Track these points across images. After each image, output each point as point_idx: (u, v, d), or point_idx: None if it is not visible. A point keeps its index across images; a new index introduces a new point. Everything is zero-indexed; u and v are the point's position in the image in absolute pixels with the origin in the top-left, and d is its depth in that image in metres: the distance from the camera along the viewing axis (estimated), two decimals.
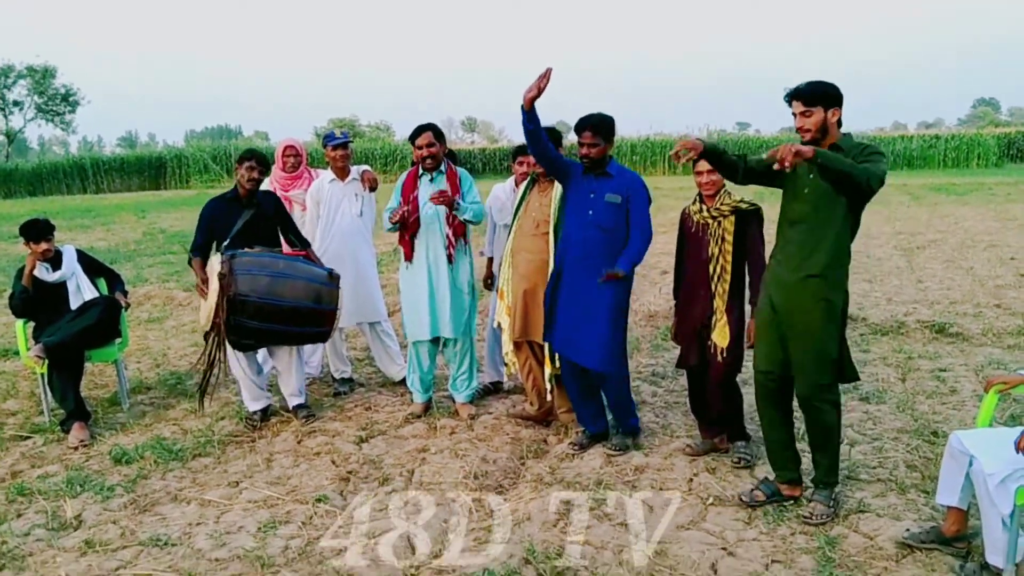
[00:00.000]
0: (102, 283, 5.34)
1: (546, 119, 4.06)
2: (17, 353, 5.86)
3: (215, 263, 4.45)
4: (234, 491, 3.97)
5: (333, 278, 4.67)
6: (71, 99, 52.97)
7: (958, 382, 5.28)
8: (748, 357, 3.95)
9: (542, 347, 4.49)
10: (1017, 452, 2.75)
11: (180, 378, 5.97)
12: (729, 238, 3.93)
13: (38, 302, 4.98)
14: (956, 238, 12.04)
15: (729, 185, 3.91)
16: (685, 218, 4.17)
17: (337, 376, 5.61)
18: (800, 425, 3.76)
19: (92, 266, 5.30)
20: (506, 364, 4.90)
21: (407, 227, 4.81)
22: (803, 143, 3.33)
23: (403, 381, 5.38)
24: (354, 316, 5.40)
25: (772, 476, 3.71)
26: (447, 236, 4.79)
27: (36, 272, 4.93)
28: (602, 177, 4.12)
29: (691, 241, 4.12)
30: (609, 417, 4.47)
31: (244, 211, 4.76)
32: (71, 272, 5.09)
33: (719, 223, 3.95)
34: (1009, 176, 27.68)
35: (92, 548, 3.39)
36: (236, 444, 4.61)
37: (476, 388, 5.16)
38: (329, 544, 3.39)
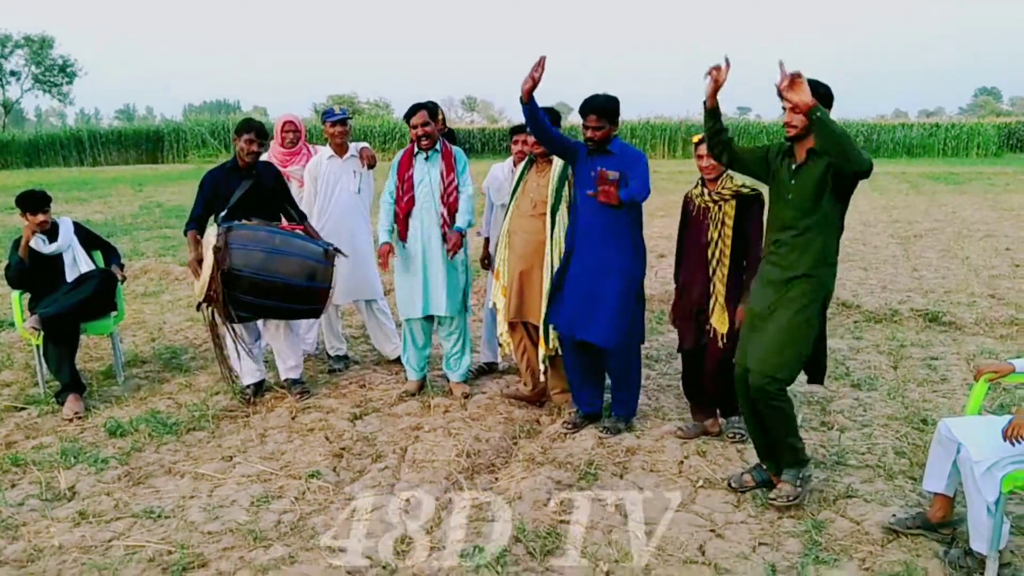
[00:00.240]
0: (98, 256, 5.33)
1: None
2: (13, 324, 5.87)
3: (211, 235, 4.45)
4: (228, 465, 3.99)
5: (329, 256, 4.66)
6: (69, 70, 52.65)
7: (949, 371, 5.32)
8: None
9: (537, 328, 4.51)
10: (1004, 440, 2.78)
11: (175, 352, 5.98)
12: (729, 222, 3.93)
13: (34, 274, 4.98)
14: (953, 227, 12.06)
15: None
16: (687, 201, 4.17)
17: (332, 353, 5.63)
18: None
19: (89, 239, 5.30)
20: (501, 345, 4.92)
21: (402, 207, 4.81)
22: (788, 138, 3.34)
23: (398, 359, 5.40)
24: (350, 294, 5.41)
25: (764, 465, 3.73)
26: (442, 215, 4.79)
27: (32, 244, 4.92)
28: (604, 156, 4.11)
29: (692, 224, 4.12)
30: (605, 398, 4.50)
31: (243, 181, 4.73)
32: (67, 244, 5.09)
33: (720, 207, 3.95)
34: (1008, 166, 27.66)
35: (85, 519, 3.42)
36: (230, 419, 4.63)
37: (470, 367, 5.19)
38: (321, 520, 3.42)
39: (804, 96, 3.02)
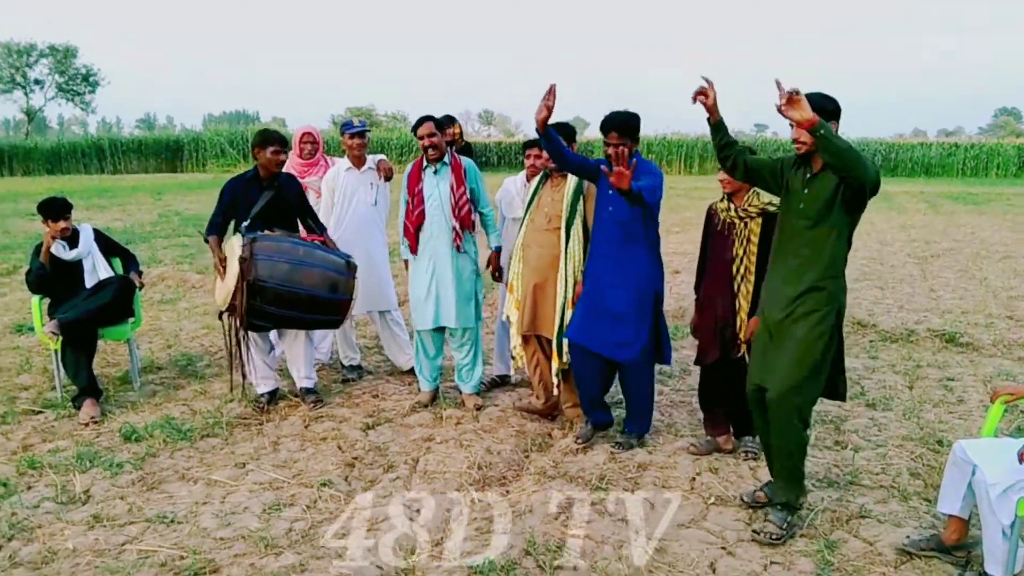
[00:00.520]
0: (117, 263, 5.40)
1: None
2: (32, 329, 5.94)
3: (235, 245, 4.49)
4: (240, 472, 4.02)
5: (350, 267, 4.71)
6: (91, 79, 53.39)
7: (966, 392, 5.27)
8: None
9: (550, 342, 4.52)
10: (1020, 463, 2.75)
11: (191, 359, 6.03)
12: (755, 239, 3.91)
13: (54, 279, 5.04)
14: (971, 248, 11.97)
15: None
16: (712, 214, 4.16)
17: (346, 363, 5.66)
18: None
19: (108, 246, 5.36)
20: (514, 358, 4.92)
21: (412, 220, 4.85)
22: (799, 155, 3.33)
23: (411, 370, 5.42)
24: (365, 304, 5.44)
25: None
26: (454, 228, 4.82)
27: (53, 250, 4.99)
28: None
29: (716, 238, 4.11)
30: (617, 413, 4.50)
31: (265, 192, 4.77)
32: (87, 251, 5.15)
33: (745, 224, 3.93)
34: None
35: (100, 522, 3.45)
36: (244, 426, 4.66)
37: (482, 379, 5.19)
38: (331, 529, 3.43)
39: (804, 113, 2.98)
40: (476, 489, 3.83)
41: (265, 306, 4.47)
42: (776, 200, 3.83)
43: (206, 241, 4.81)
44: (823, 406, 4.86)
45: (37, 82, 52.33)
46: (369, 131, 5.60)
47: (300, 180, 5.39)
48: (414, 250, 4.92)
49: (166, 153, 39.15)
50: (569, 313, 4.35)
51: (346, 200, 5.40)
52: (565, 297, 4.37)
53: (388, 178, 5.54)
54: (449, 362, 5.39)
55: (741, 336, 3.98)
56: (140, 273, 5.38)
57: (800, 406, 3.31)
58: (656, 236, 4.24)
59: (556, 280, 4.42)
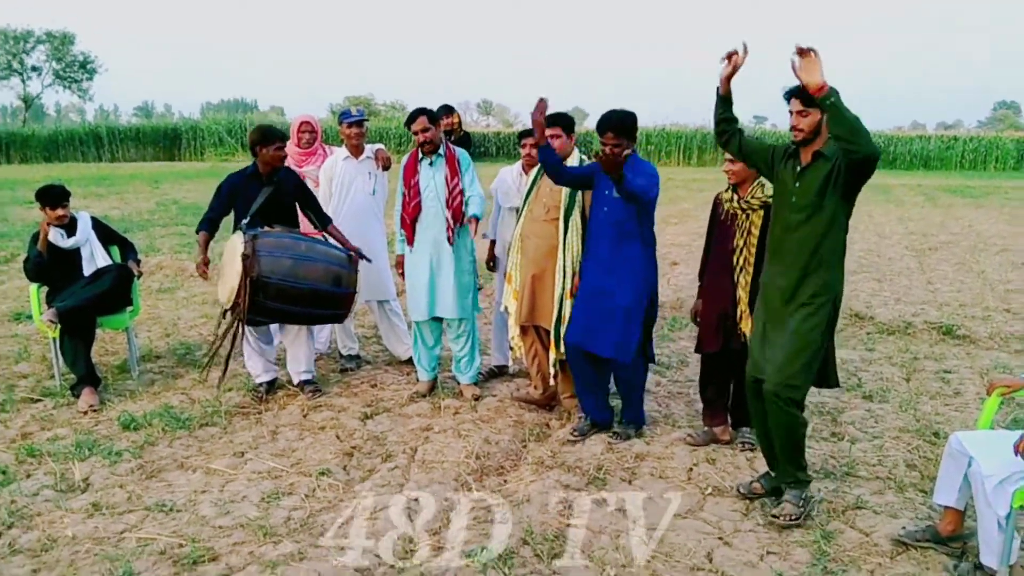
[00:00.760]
0: (115, 251, 5.39)
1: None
2: (31, 317, 5.93)
3: (237, 243, 4.48)
4: (239, 461, 4.03)
5: (352, 261, 4.72)
6: (89, 67, 53.12)
7: (962, 384, 5.29)
8: None
9: (548, 332, 4.52)
10: (1016, 455, 2.76)
11: (189, 348, 6.03)
12: (756, 231, 3.91)
13: (52, 267, 5.04)
14: (969, 241, 11.99)
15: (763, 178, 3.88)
16: (717, 204, 4.17)
17: (344, 353, 5.66)
18: None
19: (106, 234, 5.35)
20: (512, 348, 4.93)
21: (409, 212, 4.85)
22: (795, 142, 3.33)
23: (409, 360, 5.42)
24: (363, 294, 5.43)
25: (773, 473, 3.72)
26: (447, 219, 4.82)
27: (51, 238, 4.98)
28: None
29: (720, 228, 4.13)
30: (618, 403, 4.51)
31: (264, 188, 4.76)
32: (85, 239, 5.14)
33: (747, 216, 3.94)
34: None
35: (99, 510, 3.46)
36: (243, 415, 4.67)
37: (480, 370, 5.20)
38: (330, 518, 3.45)
39: (815, 76, 2.96)
40: (474, 479, 3.84)
41: (268, 302, 4.47)
42: None
43: (197, 234, 4.80)
44: (820, 397, 4.88)
45: (34, 69, 52.08)
46: (367, 120, 5.59)
47: (298, 169, 5.39)
48: (411, 241, 4.92)
49: (164, 141, 39.00)
50: (568, 304, 4.36)
51: (344, 189, 5.39)
52: (563, 288, 4.37)
53: (386, 168, 5.53)
54: (447, 352, 5.39)
55: (741, 327, 3.99)
56: (138, 262, 5.38)
57: (795, 395, 3.35)
58: (651, 235, 4.24)
59: (554, 271, 4.43)
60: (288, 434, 4.39)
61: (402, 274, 5.02)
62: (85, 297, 4.88)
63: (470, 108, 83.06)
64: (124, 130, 39.15)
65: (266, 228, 4.63)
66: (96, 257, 5.18)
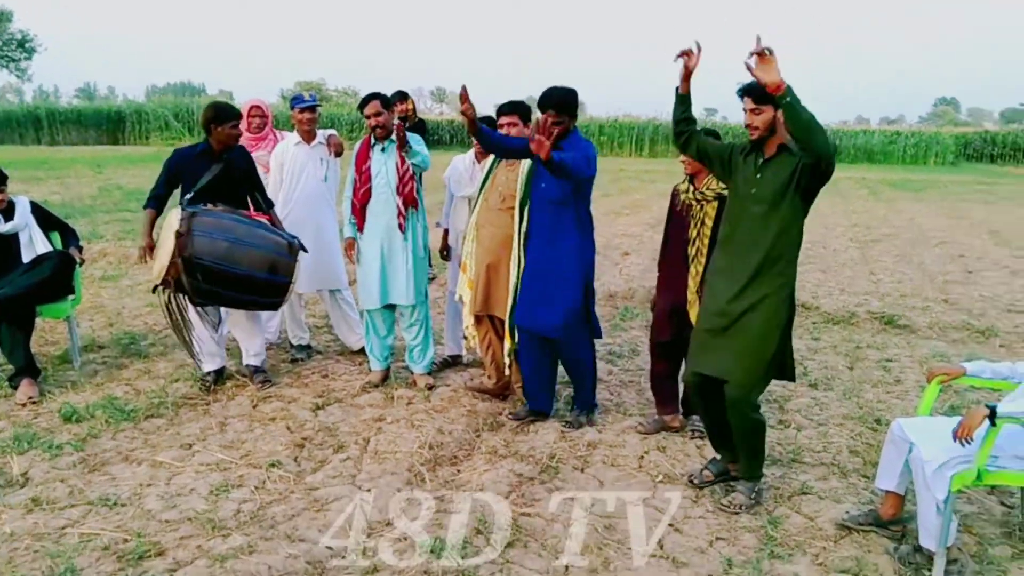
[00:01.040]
0: (56, 237, 5.21)
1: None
2: None
3: (173, 219, 4.37)
4: (187, 453, 3.94)
5: (292, 249, 4.61)
6: (27, 45, 51.05)
7: (903, 372, 5.45)
8: None
9: (502, 322, 4.52)
10: (954, 441, 2.86)
11: (134, 338, 5.88)
12: (709, 223, 3.93)
13: None
14: (910, 234, 12.34)
15: None
16: (674, 195, 4.20)
17: (295, 343, 5.58)
18: None
19: (46, 219, 5.17)
20: (466, 337, 4.92)
21: (359, 198, 4.80)
22: (751, 140, 3.35)
23: (362, 350, 5.37)
24: (314, 283, 5.37)
25: (718, 456, 3.79)
26: (398, 206, 4.78)
27: None
28: (554, 151, 4.09)
29: (675, 219, 4.17)
30: (568, 392, 4.53)
31: (213, 165, 4.64)
32: (24, 224, 4.96)
33: (702, 207, 3.97)
34: (964, 175, 28.38)
35: (39, 506, 3.36)
36: (190, 406, 4.57)
37: (434, 359, 5.18)
38: (280, 510, 3.40)
39: (771, 75, 2.98)
40: (427, 469, 3.83)
41: (200, 284, 4.35)
42: None
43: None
44: (768, 386, 4.97)
45: None
46: (320, 106, 5.50)
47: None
48: (361, 228, 4.87)
49: (107, 124, 37.78)
50: None
51: (295, 176, 5.30)
52: (518, 277, 4.37)
53: (338, 154, 5.46)
54: (400, 342, 5.36)
55: (691, 316, 4.04)
56: (80, 248, 5.21)
57: (756, 399, 3.43)
58: (587, 214, 4.25)
59: (509, 260, 4.42)
60: (237, 425, 4.32)
61: (352, 257, 4.95)
62: (24, 285, 4.71)
63: (424, 95, 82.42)
64: (65, 112, 37.84)
65: (208, 206, 4.51)
66: (36, 243, 5.00)
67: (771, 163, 3.29)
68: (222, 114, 4.63)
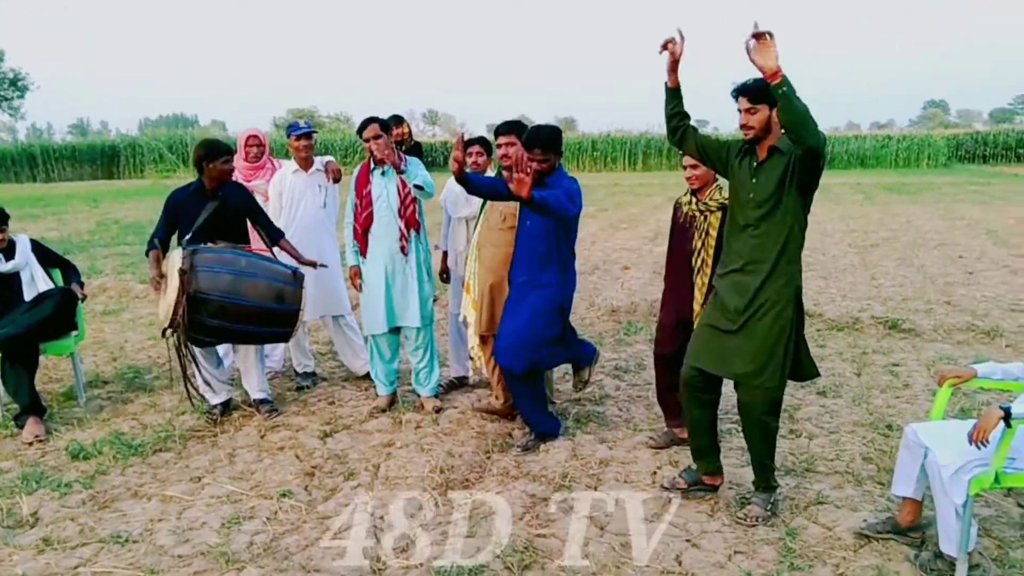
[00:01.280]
0: (56, 274, 5.21)
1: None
2: None
3: (176, 258, 4.37)
4: (196, 486, 3.91)
5: (297, 277, 4.61)
6: (20, 84, 51.37)
7: (911, 376, 5.44)
8: None
9: None
10: (970, 444, 2.84)
11: (138, 372, 5.85)
12: (714, 233, 3.94)
13: None
14: (908, 236, 12.36)
15: (721, 180, 3.88)
16: (676, 208, 4.21)
17: (300, 370, 5.56)
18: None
19: (46, 256, 5.17)
20: (471, 358, 4.91)
21: (361, 222, 4.80)
22: (745, 140, 3.34)
23: (367, 375, 5.35)
24: (317, 309, 5.36)
25: (694, 466, 3.75)
26: (400, 229, 4.78)
27: None
28: (538, 188, 4.06)
29: (679, 232, 4.17)
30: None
31: (208, 203, 4.65)
32: (25, 262, 4.96)
33: (705, 218, 3.98)
34: (957, 176, 28.51)
35: (50, 546, 3.32)
36: (197, 439, 4.54)
37: (440, 382, 5.16)
38: (294, 540, 3.37)
39: (769, 60, 2.96)
40: (439, 493, 3.80)
41: (208, 319, 4.34)
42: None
43: (147, 255, 4.67)
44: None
45: None
46: (315, 132, 5.52)
47: (246, 184, 5.29)
48: (364, 252, 4.87)
49: (101, 159, 37.96)
50: None
51: (294, 203, 5.31)
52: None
53: (337, 180, 5.47)
54: (406, 366, 5.34)
55: (695, 327, 4.02)
56: (81, 284, 5.20)
57: (773, 403, 3.40)
58: (569, 253, 4.26)
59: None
60: (246, 456, 4.29)
61: (358, 285, 4.95)
62: (27, 323, 4.70)
63: (416, 118, 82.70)
64: (59, 148, 38.03)
65: (208, 244, 4.52)
66: (37, 281, 5.00)
67: (764, 166, 3.28)
68: (212, 151, 4.64)
